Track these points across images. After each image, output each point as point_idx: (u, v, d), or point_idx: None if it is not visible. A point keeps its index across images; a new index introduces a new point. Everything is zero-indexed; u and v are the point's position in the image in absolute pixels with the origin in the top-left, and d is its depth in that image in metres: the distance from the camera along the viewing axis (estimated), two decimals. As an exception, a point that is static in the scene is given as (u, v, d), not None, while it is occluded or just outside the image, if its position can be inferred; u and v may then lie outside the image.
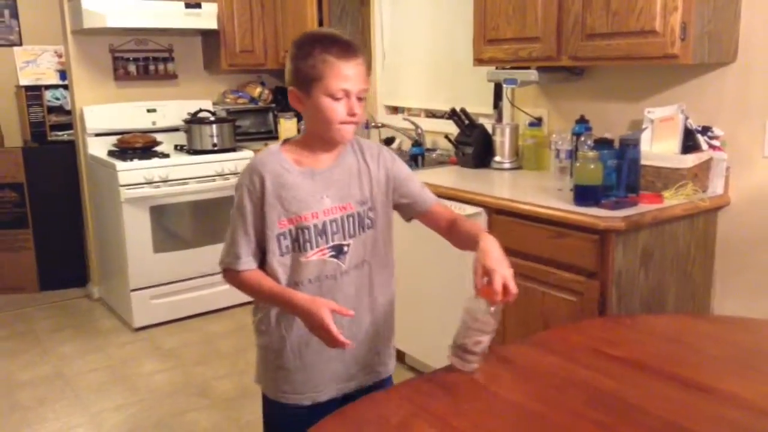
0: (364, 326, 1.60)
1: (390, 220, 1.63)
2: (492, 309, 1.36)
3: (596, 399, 1.23)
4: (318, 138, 1.53)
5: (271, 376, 1.61)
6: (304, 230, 1.49)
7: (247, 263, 1.51)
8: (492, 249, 1.41)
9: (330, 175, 1.53)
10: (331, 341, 1.39)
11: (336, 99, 1.45)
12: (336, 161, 1.55)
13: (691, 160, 2.36)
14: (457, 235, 1.61)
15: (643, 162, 2.38)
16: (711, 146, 2.42)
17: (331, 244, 1.51)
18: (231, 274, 1.54)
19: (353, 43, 1.49)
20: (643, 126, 2.52)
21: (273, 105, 4.72)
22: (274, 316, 1.57)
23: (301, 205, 1.49)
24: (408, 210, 1.66)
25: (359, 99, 1.48)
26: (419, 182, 1.67)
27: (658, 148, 2.46)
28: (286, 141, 1.58)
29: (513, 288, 1.35)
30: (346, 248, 1.53)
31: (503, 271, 1.36)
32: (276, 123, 4.59)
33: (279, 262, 1.51)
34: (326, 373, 1.58)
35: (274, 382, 1.61)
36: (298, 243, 1.50)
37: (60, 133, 5.00)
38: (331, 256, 1.52)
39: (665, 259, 2.32)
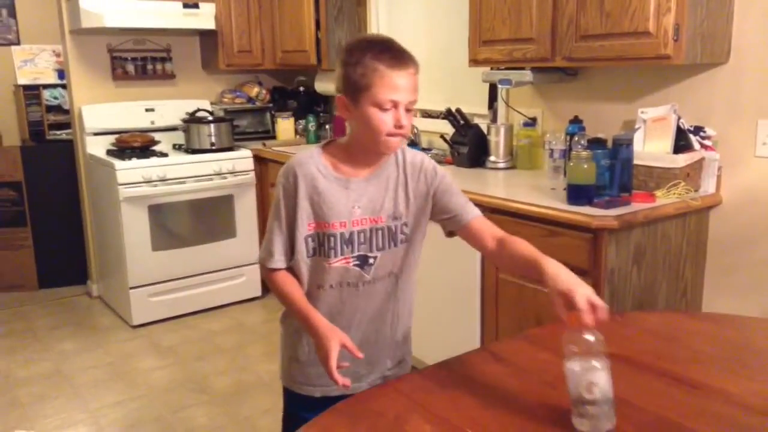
0: (382, 333, 1.60)
1: (424, 234, 1.59)
2: (591, 338, 1.15)
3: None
4: (361, 147, 1.49)
5: (286, 366, 1.64)
6: (330, 237, 1.48)
7: (279, 261, 1.51)
8: (560, 271, 1.29)
9: (365, 185, 1.50)
10: (329, 373, 1.35)
11: (384, 110, 1.40)
12: (374, 172, 1.51)
13: (683, 159, 2.39)
14: (508, 258, 1.48)
15: (636, 162, 2.41)
16: (703, 146, 2.45)
17: (356, 254, 1.50)
18: (264, 269, 1.54)
19: (406, 52, 1.44)
20: (636, 126, 2.55)
21: (270, 105, 4.75)
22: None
23: (330, 212, 1.47)
24: (448, 225, 1.58)
25: (408, 110, 1.43)
26: (462, 196, 1.58)
27: (651, 147, 2.48)
28: (330, 142, 1.56)
29: (600, 303, 1.19)
30: (372, 260, 1.51)
31: (583, 290, 1.21)
32: (273, 123, 4.61)
33: (305, 263, 1.51)
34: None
35: (289, 372, 1.64)
36: (324, 248, 1.49)
37: (58, 132, 5.01)
38: (355, 265, 1.50)
39: (657, 257, 2.35)
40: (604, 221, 2.16)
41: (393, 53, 1.41)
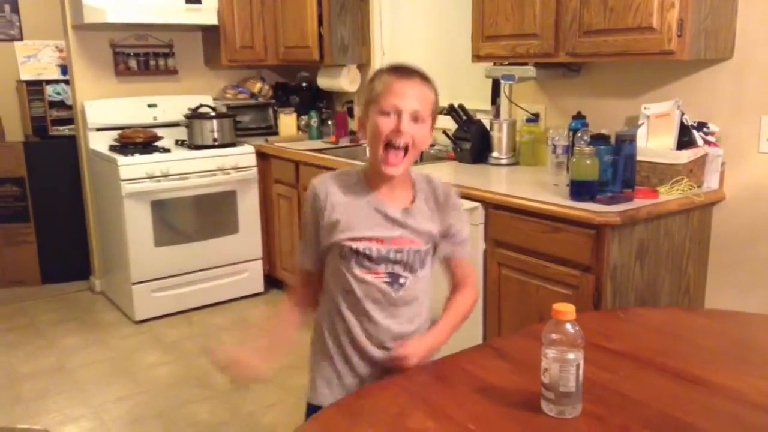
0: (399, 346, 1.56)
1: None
2: (571, 329, 1.20)
3: (591, 391, 1.24)
4: (373, 171, 1.51)
5: (313, 385, 1.62)
6: (368, 250, 1.48)
7: (307, 264, 1.59)
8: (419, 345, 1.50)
9: (408, 213, 1.51)
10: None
11: (386, 114, 1.43)
12: (410, 200, 1.53)
13: (686, 155, 2.38)
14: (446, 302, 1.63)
15: (639, 158, 2.40)
16: (706, 142, 2.44)
17: (389, 270, 1.49)
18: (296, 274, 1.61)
19: (418, 69, 1.48)
20: (639, 122, 2.54)
21: (273, 101, 4.74)
22: (324, 326, 1.58)
23: (367, 228, 1.48)
24: (440, 255, 1.60)
25: (415, 120, 1.44)
26: (467, 233, 1.63)
27: (654, 143, 2.48)
28: (367, 169, 1.56)
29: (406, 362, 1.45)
30: (402, 280, 1.50)
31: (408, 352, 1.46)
32: (276, 118, 4.61)
33: (335, 271, 1.52)
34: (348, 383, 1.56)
35: (314, 391, 1.61)
36: (356, 259, 1.48)
37: (61, 127, 5.02)
38: (386, 283, 1.49)
39: (660, 253, 2.35)
40: (606, 217, 2.16)
41: (401, 66, 1.47)
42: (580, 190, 2.31)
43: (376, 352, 1.53)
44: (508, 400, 1.28)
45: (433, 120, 1.52)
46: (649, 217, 2.26)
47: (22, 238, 4.49)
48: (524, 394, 1.28)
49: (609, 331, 1.60)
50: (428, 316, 1.61)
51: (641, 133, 2.49)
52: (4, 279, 4.51)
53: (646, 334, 1.62)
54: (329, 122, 4.45)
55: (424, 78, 1.48)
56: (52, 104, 5.13)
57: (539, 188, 2.57)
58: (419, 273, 1.53)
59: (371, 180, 1.53)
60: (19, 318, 4.04)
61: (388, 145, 1.45)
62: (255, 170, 4.16)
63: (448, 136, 3.35)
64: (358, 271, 1.49)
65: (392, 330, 1.52)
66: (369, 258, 1.48)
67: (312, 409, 1.59)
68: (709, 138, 2.45)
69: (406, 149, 1.46)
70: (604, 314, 1.98)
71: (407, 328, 1.54)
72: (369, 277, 1.49)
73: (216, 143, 4.09)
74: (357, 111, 1.38)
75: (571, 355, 1.18)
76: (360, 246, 1.48)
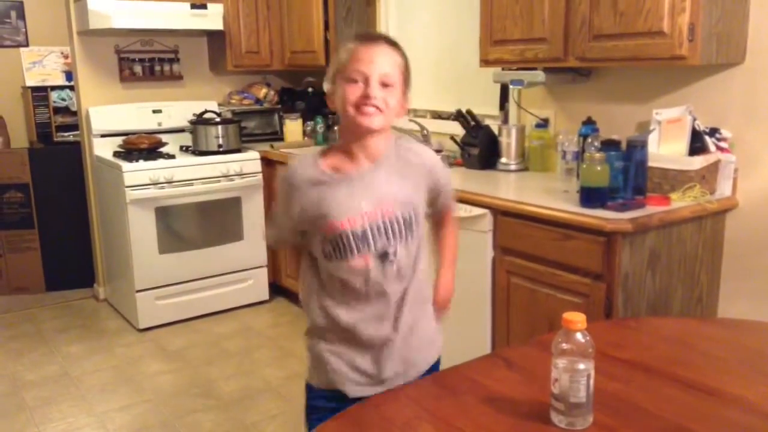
0: (404, 330, 1.53)
1: (423, 225, 1.57)
2: (582, 339, 1.16)
3: (601, 401, 1.22)
4: (349, 134, 1.48)
5: (312, 369, 1.60)
6: (344, 236, 1.44)
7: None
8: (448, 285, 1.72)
9: (369, 177, 1.46)
10: None
11: (353, 81, 1.41)
12: (375, 164, 1.48)
13: (698, 161, 2.34)
14: (434, 243, 1.72)
15: (651, 164, 2.36)
16: (719, 148, 2.41)
17: (374, 250, 1.45)
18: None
19: (383, 34, 1.48)
20: (651, 127, 2.50)
21: (279, 106, 4.72)
22: (315, 301, 1.55)
23: (338, 211, 1.43)
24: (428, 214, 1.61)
25: (384, 85, 1.41)
26: (452, 190, 1.67)
27: (666, 149, 2.44)
28: (329, 148, 1.53)
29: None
30: (392, 256, 1.47)
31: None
32: (281, 124, 4.59)
33: (324, 266, 1.50)
34: (354, 368, 1.53)
35: (314, 373, 1.60)
36: (340, 249, 1.45)
37: (66, 134, 5.01)
38: (377, 263, 1.46)
39: (672, 261, 2.31)
40: (618, 224, 2.12)
41: (366, 33, 1.50)
42: (590, 196, 2.27)
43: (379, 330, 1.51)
44: (517, 411, 1.26)
45: (406, 86, 1.48)
46: (661, 225, 2.22)
47: (26, 245, 4.48)
48: (533, 405, 1.26)
49: (620, 341, 1.58)
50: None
51: (652, 139, 2.45)
52: (8, 286, 4.50)
53: (658, 343, 1.60)
54: (335, 128, 4.43)
55: (390, 42, 1.47)
56: (57, 110, 5.13)
57: (548, 195, 2.54)
58: (407, 241, 1.49)
59: (348, 156, 1.49)
60: (23, 325, 4.02)
61: (356, 106, 1.41)
62: (260, 176, 4.13)
63: (455, 141, 3.32)
64: (347, 258, 1.46)
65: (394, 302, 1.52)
66: (352, 241, 1.45)
67: (313, 391, 1.60)
68: (722, 144, 2.41)
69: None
70: (615, 323, 1.95)
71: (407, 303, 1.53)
72: (359, 262, 1.46)
73: (221, 149, 4.07)
74: (325, 86, 1.39)
75: (581, 365, 1.16)
76: (342, 231, 1.44)
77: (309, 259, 1.56)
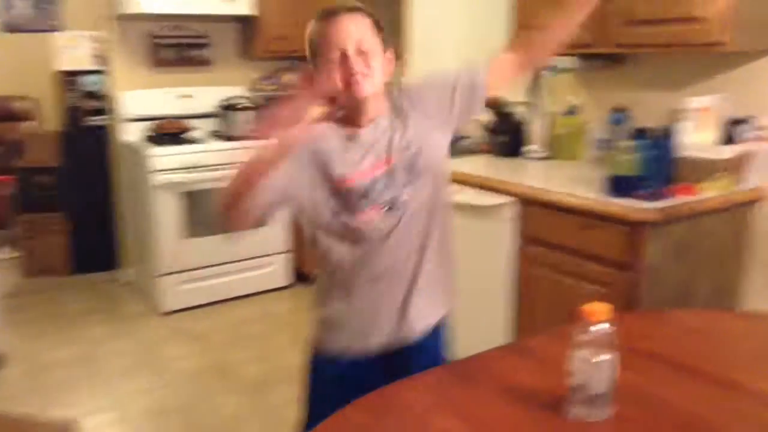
0: (421, 272, 1.55)
1: (445, 160, 1.56)
2: (603, 329, 1.15)
3: (621, 393, 1.19)
4: (346, 105, 1.49)
5: (316, 331, 1.64)
6: (350, 191, 1.46)
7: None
8: None
9: (370, 135, 1.49)
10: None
11: (332, 60, 1.41)
12: (375, 121, 1.50)
13: (728, 151, 2.29)
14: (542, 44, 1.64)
15: (680, 153, 2.31)
16: (754, 137, 2.33)
17: (383, 200, 1.47)
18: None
19: (340, 5, 1.46)
20: (682, 116, 2.44)
21: (306, 92, 4.70)
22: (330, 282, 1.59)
23: (342, 167, 1.46)
24: (479, 100, 1.55)
25: (362, 52, 1.42)
26: (461, 71, 1.55)
27: (697, 138, 2.38)
28: (334, 117, 1.54)
29: None
30: (400, 204, 1.48)
31: None
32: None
33: (331, 222, 1.49)
34: (373, 319, 1.56)
35: (318, 335, 1.64)
36: (348, 204, 1.47)
37: (95, 118, 5.06)
38: (386, 213, 1.48)
39: (699, 252, 2.26)
40: (644, 214, 2.08)
41: (326, 9, 1.45)
42: (618, 185, 2.22)
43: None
44: (536, 401, 1.25)
45: (384, 41, 1.48)
46: (690, 215, 2.17)
47: (52, 228, 4.54)
48: (552, 396, 1.24)
49: (643, 333, 1.56)
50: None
51: (684, 128, 2.38)
52: (34, 268, 4.56)
53: (682, 336, 1.57)
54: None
55: (350, 9, 1.46)
56: (87, 95, 5.17)
57: (576, 183, 2.49)
58: (416, 184, 1.49)
59: (348, 120, 1.50)
60: (48, 307, 4.07)
61: (347, 85, 1.42)
62: (286, 163, 4.12)
63: (482, 128, 3.27)
64: (356, 212, 1.47)
65: (408, 248, 1.52)
66: (359, 195, 1.46)
67: (320, 359, 1.63)
68: (757, 133, 2.33)
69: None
70: (639, 315, 1.92)
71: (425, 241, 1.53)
72: (369, 215, 1.47)
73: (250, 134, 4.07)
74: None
75: (601, 357, 1.14)
76: (348, 186, 1.45)
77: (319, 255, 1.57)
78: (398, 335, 1.56)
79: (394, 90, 1.55)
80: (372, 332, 1.55)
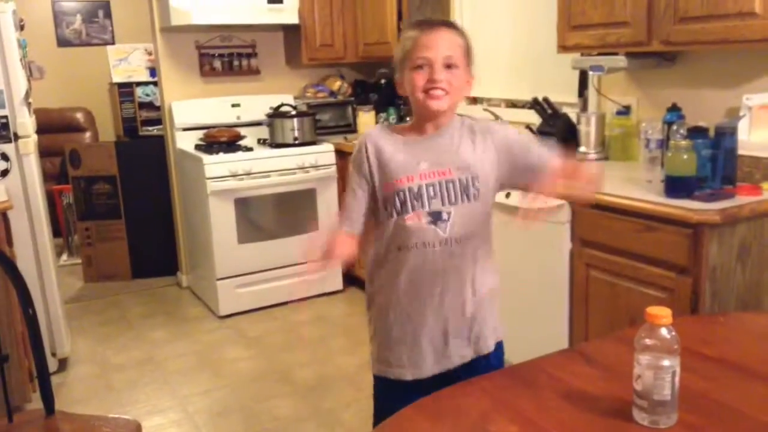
0: (465, 301, 1.59)
1: (493, 199, 1.59)
2: (667, 334, 1.12)
3: (687, 399, 1.17)
4: (418, 115, 1.56)
5: (375, 352, 1.69)
6: (400, 193, 1.51)
7: (347, 226, 1.58)
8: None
9: (429, 142, 1.55)
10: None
11: (418, 68, 1.48)
12: (439, 131, 1.56)
13: (793, 149, 2.22)
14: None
15: (741, 152, 2.26)
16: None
17: (428, 209, 1.51)
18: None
19: (441, 19, 1.55)
20: (741, 113, 2.38)
21: (352, 98, 4.74)
22: (378, 287, 1.65)
23: (397, 169, 1.52)
24: (529, 178, 1.55)
25: (448, 67, 1.47)
26: (541, 147, 1.60)
27: (758, 136, 2.32)
28: (400, 125, 1.65)
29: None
30: (445, 215, 1.52)
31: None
32: (355, 116, 4.61)
33: (385, 225, 1.56)
34: (423, 346, 1.60)
35: (377, 356, 1.68)
36: (396, 206, 1.52)
37: (150, 128, 5.20)
38: (429, 223, 1.51)
39: (763, 254, 2.19)
40: (705, 215, 2.03)
41: (425, 20, 1.53)
42: (676, 186, 2.18)
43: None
44: (597, 407, 1.23)
45: (469, 63, 1.54)
46: (752, 216, 2.11)
47: (113, 235, 4.68)
48: (614, 402, 1.22)
49: (707, 337, 1.52)
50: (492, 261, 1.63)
51: (743, 126, 2.33)
52: (97, 274, 4.71)
53: (748, 340, 1.53)
54: (407, 119, 4.41)
55: (449, 25, 1.54)
56: (142, 105, 5.33)
57: (631, 184, 2.45)
58: (463, 204, 1.52)
59: (414, 130, 1.58)
60: (111, 311, 4.21)
61: (425, 91, 1.49)
62: (334, 168, 4.17)
63: (531, 130, 3.25)
64: (402, 215, 1.52)
65: (449, 274, 1.56)
66: (407, 198, 1.51)
67: (383, 383, 1.66)
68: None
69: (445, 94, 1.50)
70: (703, 319, 1.88)
71: (465, 272, 1.57)
72: (413, 221, 1.51)
73: (296, 142, 4.13)
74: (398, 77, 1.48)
75: (666, 362, 1.12)
76: (399, 187, 1.51)
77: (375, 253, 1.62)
78: (452, 356, 1.62)
79: (466, 116, 1.61)
80: (424, 357, 1.61)
